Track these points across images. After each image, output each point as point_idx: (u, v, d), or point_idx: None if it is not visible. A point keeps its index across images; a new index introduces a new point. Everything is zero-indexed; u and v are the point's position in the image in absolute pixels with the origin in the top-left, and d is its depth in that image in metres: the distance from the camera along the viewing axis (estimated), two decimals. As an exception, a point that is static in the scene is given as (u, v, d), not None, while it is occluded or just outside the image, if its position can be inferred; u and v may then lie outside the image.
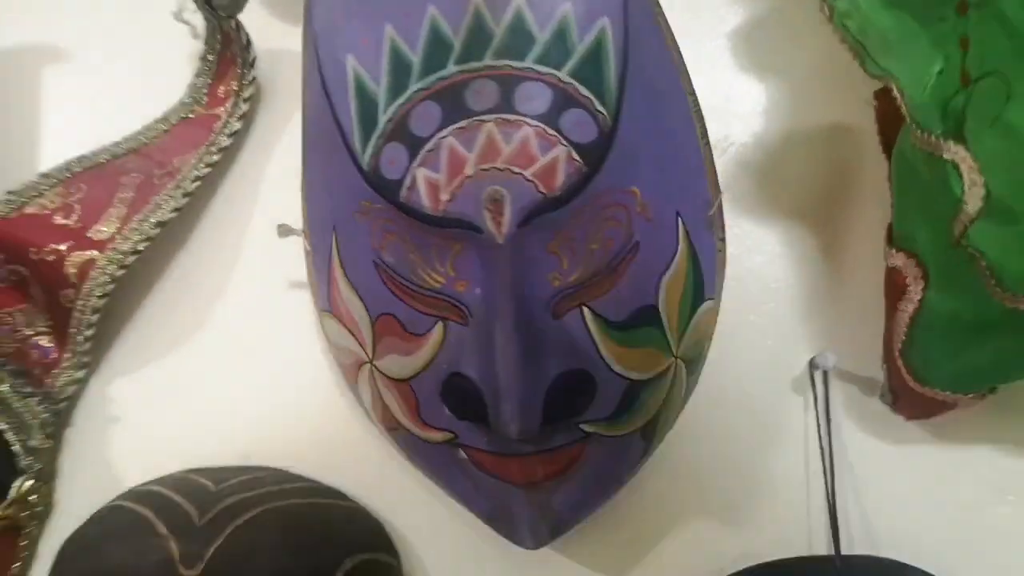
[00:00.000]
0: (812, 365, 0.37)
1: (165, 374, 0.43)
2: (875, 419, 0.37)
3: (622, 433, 0.34)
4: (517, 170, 0.29)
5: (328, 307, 0.36)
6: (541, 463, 0.33)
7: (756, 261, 0.39)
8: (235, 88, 0.43)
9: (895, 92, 0.30)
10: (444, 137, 0.30)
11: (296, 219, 0.40)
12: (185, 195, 0.41)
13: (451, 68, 0.30)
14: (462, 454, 0.33)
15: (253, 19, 0.42)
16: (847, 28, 0.30)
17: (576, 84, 0.30)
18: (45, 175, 0.42)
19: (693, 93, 0.35)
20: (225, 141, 0.42)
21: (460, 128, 0.30)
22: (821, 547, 0.36)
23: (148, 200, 0.41)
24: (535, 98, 0.30)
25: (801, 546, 0.36)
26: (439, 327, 0.32)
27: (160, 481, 0.40)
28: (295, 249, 0.39)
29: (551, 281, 0.31)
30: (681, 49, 0.40)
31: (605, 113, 0.30)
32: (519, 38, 0.30)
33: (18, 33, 0.49)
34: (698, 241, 0.34)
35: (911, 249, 0.32)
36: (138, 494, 0.40)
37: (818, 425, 0.37)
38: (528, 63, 0.30)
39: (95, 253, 0.40)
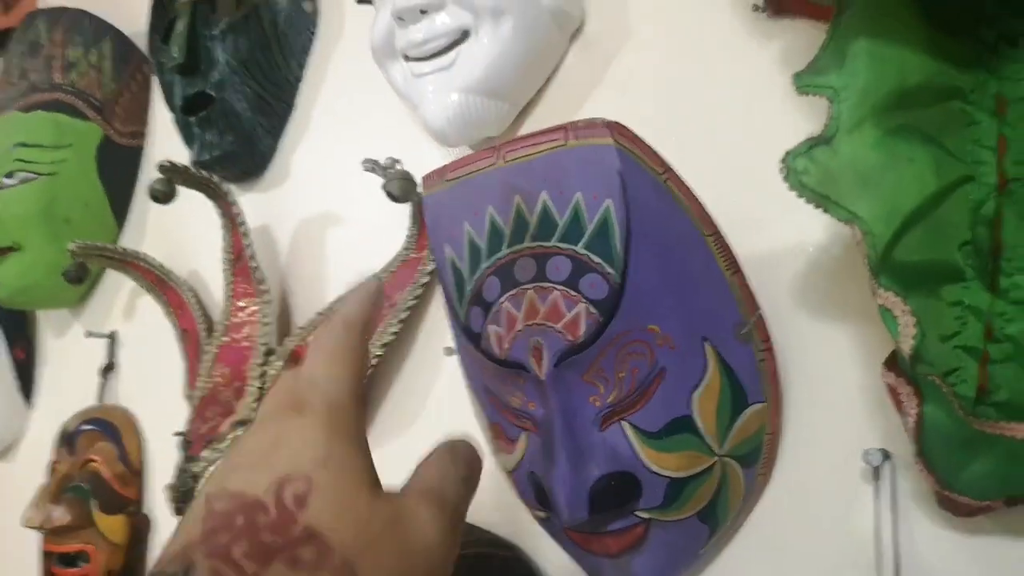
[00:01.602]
0: (865, 459, 0.40)
1: (401, 449, 0.59)
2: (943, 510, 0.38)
3: (678, 518, 0.41)
4: (551, 324, 0.39)
5: (474, 412, 0.49)
6: (613, 540, 0.41)
7: (828, 357, 0.43)
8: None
9: (858, 237, 0.34)
10: (503, 302, 0.41)
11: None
12: (400, 322, 0.57)
13: (504, 250, 0.41)
14: (558, 528, 0.44)
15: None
16: (803, 185, 0.35)
17: (589, 254, 0.39)
18: (319, 313, 0.61)
19: (715, 233, 0.41)
20: (424, 279, 0.58)
21: (512, 295, 0.40)
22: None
23: (377, 328, 0.58)
24: (560, 269, 0.39)
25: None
26: (523, 436, 0.43)
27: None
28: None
29: (592, 403, 0.40)
30: (752, 161, 0.46)
31: (614, 273, 0.38)
32: (546, 224, 0.40)
33: (312, 206, 0.70)
34: (731, 357, 0.40)
35: (903, 369, 0.35)
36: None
37: (876, 516, 0.39)
38: (554, 242, 0.40)
39: (346, 369, 0.58)
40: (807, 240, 0.45)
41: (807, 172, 0.35)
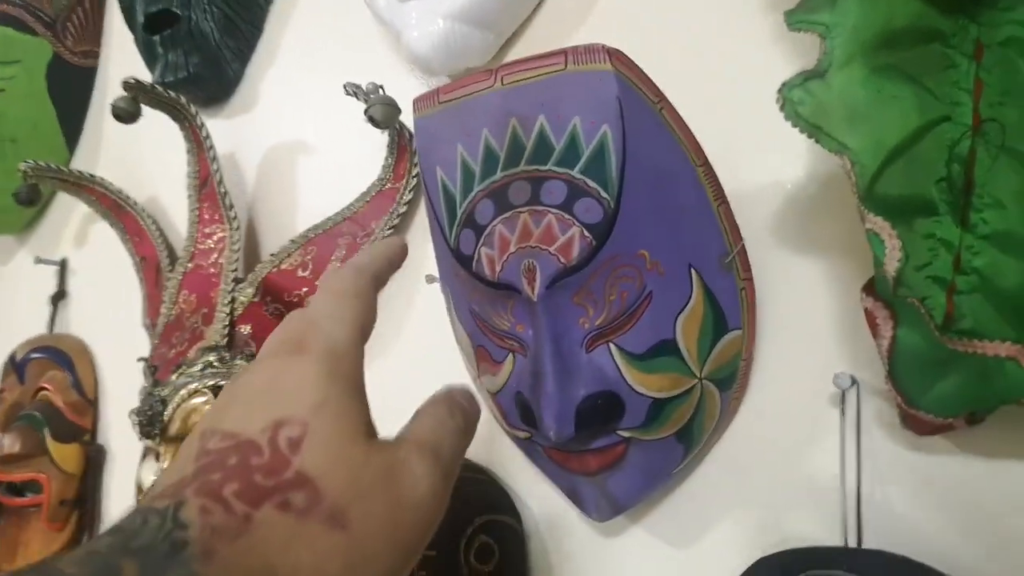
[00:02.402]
0: (835, 383, 0.42)
1: (375, 377, 0.60)
2: (903, 430, 0.41)
3: (657, 437, 0.43)
4: (544, 247, 0.40)
5: (456, 338, 0.50)
6: (593, 458, 0.43)
7: (803, 289, 0.45)
8: (408, 167, 0.58)
9: (848, 166, 0.35)
10: (495, 225, 0.41)
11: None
12: (376, 251, 0.57)
13: (499, 173, 0.42)
14: (538, 448, 0.45)
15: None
16: (798, 115, 0.36)
17: (585, 179, 0.39)
18: (292, 240, 0.61)
19: (704, 164, 0.42)
20: (402, 208, 0.58)
21: (505, 218, 0.41)
22: (851, 541, 0.42)
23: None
24: (555, 192, 0.40)
25: (828, 539, 0.42)
26: (510, 357, 0.44)
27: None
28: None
29: (581, 325, 0.41)
30: (735, 98, 0.47)
31: (609, 198, 0.39)
32: (542, 148, 0.40)
33: (280, 134, 0.69)
34: (714, 284, 0.42)
35: (880, 294, 0.37)
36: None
37: (842, 434, 0.42)
38: (550, 166, 0.40)
39: (320, 296, 0.58)
40: (784, 178, 0.46)
41: (802, 103, 0.36)
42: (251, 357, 0.60)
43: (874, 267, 0.37)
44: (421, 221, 0.59)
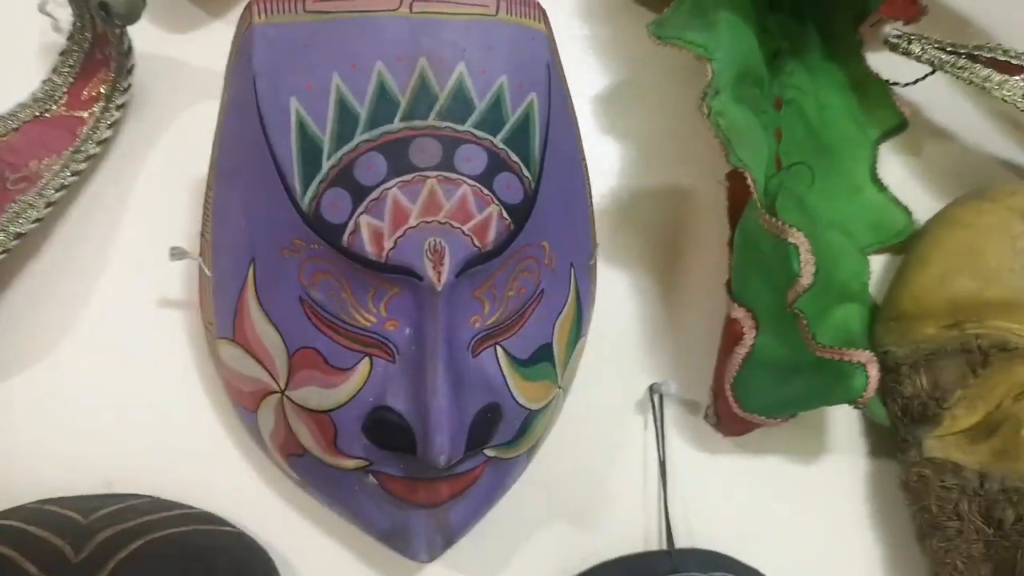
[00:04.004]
0: (652, 390, 0.43)
1: (10, 396, 0.39)
2: (696, 434, 0.44)
3: (515, 455, 0.38)
4: (456, 224, 0.32)
5: (231, 335, 0.36)
6: (447, 485, 0.35)
7: (608, 301, 0.45)
8: (105, 92, 0.40)
9: (749, 180, 0.37)
10: (389, 188, 0.32)
11: (174, 236, 0.39)
12: (48, 204, 0.38)
13: (397, 124, 0.32)
14: (371, 479, 0.35)
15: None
16: (719, 125, 0.37)
17: (508, 151, 0.33)
18: None
19: (584, 157, 0.40)
20: (93, 149, 0.40)
21: (404, 181, 0.32)
22: (654, 545, 0.43)
23: (2, 208, 0.37)
24: (473, 160, 0.33)
25: (637, 544, 0.43)
26: (365, 363, 0.34)
27: (13, 514, 0.37)
28: (164, 267, 0.38)
29: (472, 324, 0.34)
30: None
31: (530, 177, 0.34)
32: (460, 103, 0.33)
33: None
34: (581, 286, 0.39)
35: (748, 304, 0.40)
36: (-12, 530, 0.36)
37: (657, 441, 0.43)
38: (468, 127, 0.33)
39: (-60, 264, 0.36)
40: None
41: (722, 115, 0.37)
42: None
43: (779, 277, 0.39)
44: (123, 170, 0.42)
